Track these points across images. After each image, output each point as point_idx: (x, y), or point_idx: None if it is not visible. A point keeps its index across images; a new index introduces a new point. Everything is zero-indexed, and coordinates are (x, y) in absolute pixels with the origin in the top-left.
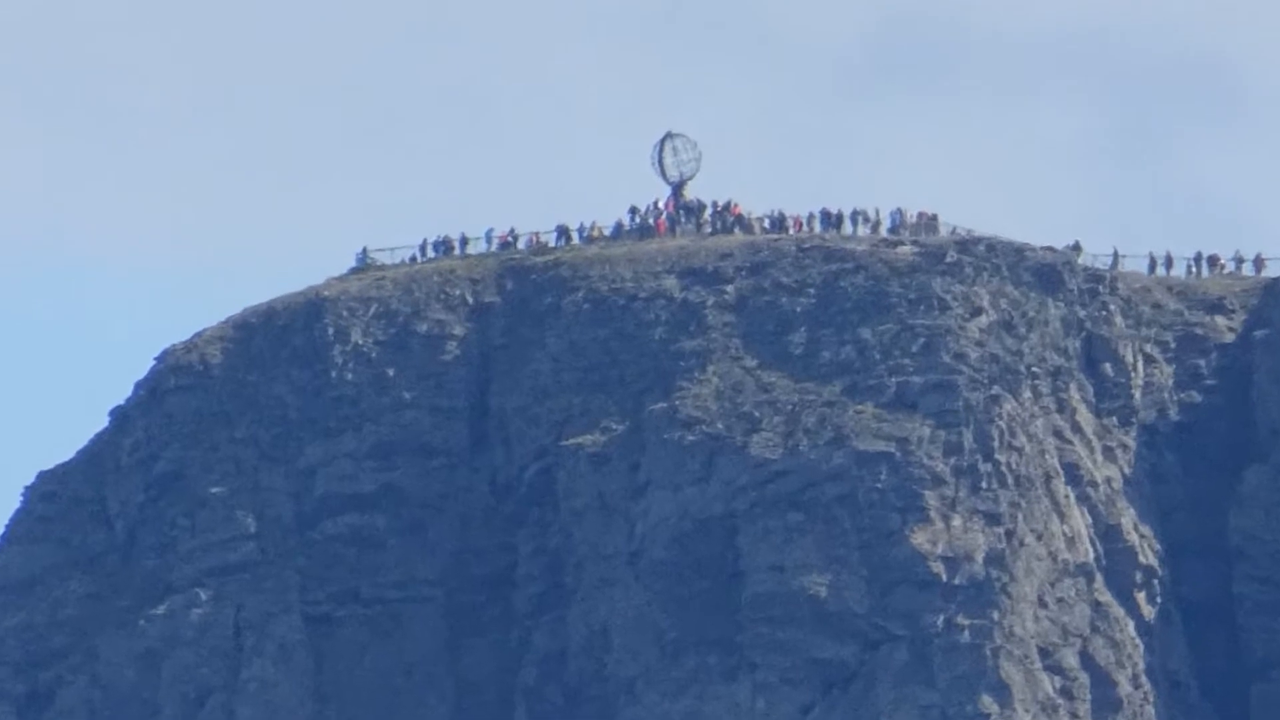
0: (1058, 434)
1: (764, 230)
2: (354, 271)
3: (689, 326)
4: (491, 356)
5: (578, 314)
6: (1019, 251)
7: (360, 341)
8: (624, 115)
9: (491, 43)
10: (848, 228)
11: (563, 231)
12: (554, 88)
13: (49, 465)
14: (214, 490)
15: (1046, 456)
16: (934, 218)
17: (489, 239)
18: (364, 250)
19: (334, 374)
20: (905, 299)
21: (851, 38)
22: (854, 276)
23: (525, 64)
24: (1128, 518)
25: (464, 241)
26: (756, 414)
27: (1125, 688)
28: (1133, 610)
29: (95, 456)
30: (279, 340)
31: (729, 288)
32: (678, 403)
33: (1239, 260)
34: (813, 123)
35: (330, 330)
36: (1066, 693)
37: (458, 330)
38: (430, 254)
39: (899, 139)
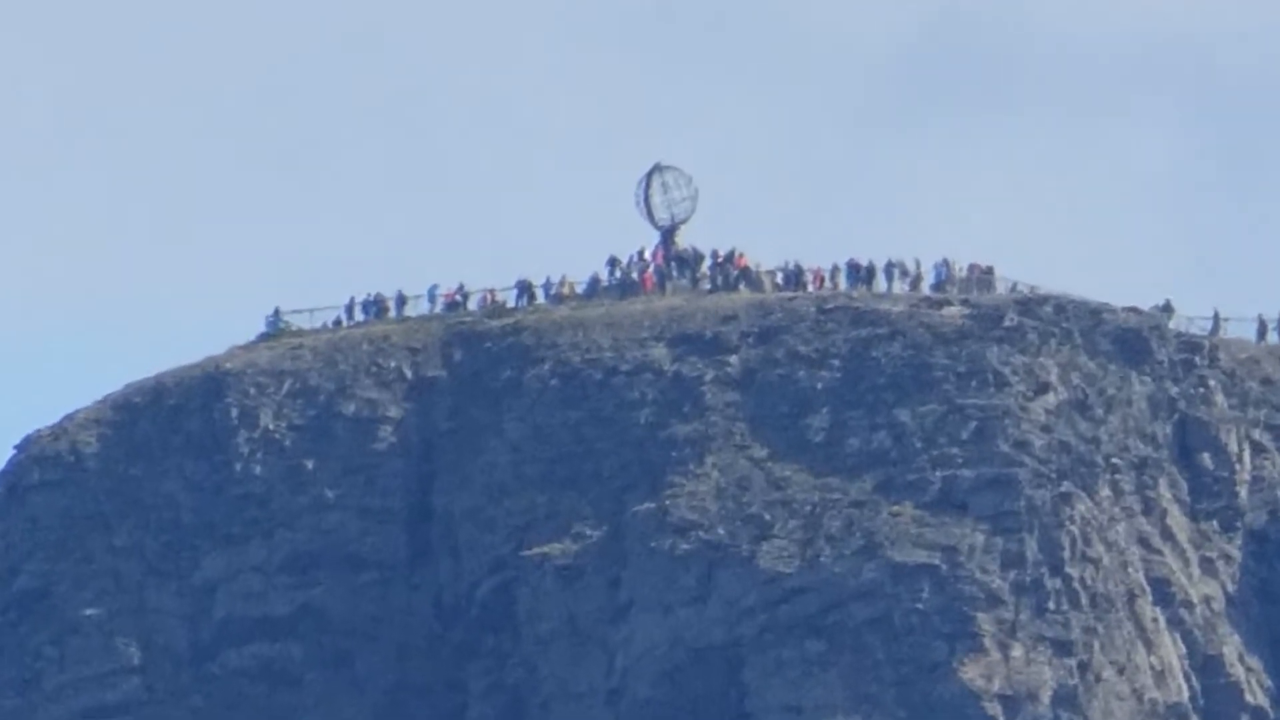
0: (1144, 542)
1: (776, 287)
2: (263, 338)
3: (682, 407)
4: (435, 445)
5: (543, 392)
6: (1095, 313)
7: (271, 426)
8: (601, 142)
9: (432, 51)
10: (881, 284)
11: (524, 288)
12: (512, 107)
13: None
14: (88, 612)
15: (1130, 570)
16: (989, 271)
17: (432, 298)
18: (276, 312)
19: (238, 467)
20: (953, 372)
21: (885, 45)
22: (889, 344)
23: (475, 77)
24: (1231, 646)
25: (401, 301)
26: (767, 517)
27: None
28: None
29: None
30: (169, 425)
31: (732, 359)
32: (668, 503)
33: None
34: (837, 152)
35: (234, 412)
36: None
37: (393, 412)
38: (359, 316)
39: (943, 172)
